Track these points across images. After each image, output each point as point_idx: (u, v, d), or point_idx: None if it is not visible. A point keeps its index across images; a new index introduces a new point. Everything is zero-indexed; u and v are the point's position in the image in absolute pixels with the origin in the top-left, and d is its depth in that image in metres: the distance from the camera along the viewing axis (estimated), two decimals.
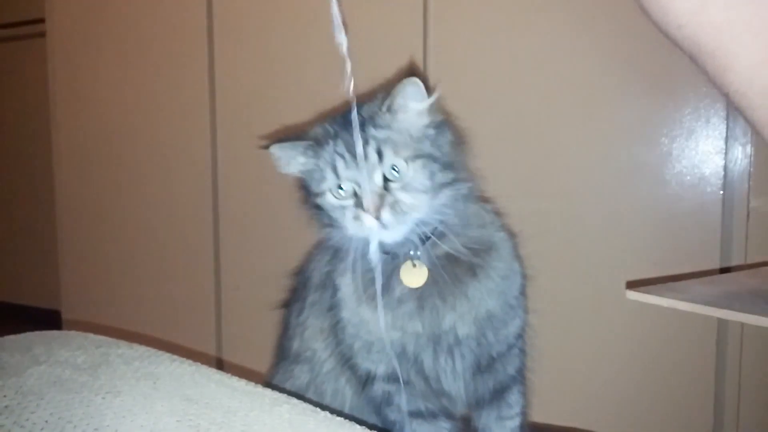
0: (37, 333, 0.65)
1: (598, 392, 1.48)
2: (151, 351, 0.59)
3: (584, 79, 1.45)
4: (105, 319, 2.02)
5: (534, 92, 1.49)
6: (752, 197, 1.36)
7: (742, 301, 0.90)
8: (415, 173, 0.91)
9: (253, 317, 1.81)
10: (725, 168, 1.38)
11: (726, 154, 1.37)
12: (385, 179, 0.90)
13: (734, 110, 1.34)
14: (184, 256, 1.92)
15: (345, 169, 0.92)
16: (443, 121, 0.98)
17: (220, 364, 1.86)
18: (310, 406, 0.55)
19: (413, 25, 1.57)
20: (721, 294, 0.94)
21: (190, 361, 0.59)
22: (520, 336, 1.07)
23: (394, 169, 0.90)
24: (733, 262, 1.37)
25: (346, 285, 1.02)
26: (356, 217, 0.90)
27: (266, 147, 0.99)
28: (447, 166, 0.94)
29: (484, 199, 1.07)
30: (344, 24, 0.92)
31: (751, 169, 1.36)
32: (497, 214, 1.06)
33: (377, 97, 0.99)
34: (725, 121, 1.36)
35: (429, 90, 0.96)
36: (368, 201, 0.89)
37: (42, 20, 2.14)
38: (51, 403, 0.50)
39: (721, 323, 1.37)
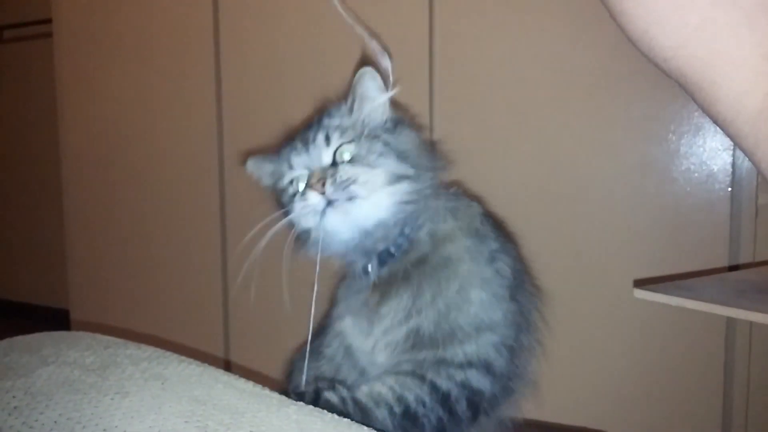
0: (45, 333, 0.65)
1: (607, 391, 1.48)
2: (159, 352, 0.59)
3: (590, 76, 1.44)
4: (113, 320, 2.03)
5: (540, 90, 1.49)
6: (760, 194, 1.36)
7: (751, 300, 0.89)
8: (363, 151, 0.91)
9: (261, 318, 1.82)
10: (733, 165, 1.37)
11: (734, 150, 1.37)
12: (335, 163, 0.92)
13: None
14: (191, 257, 1.92)
15: (296, 157, 0.94)
16: (402, 119, 0.99)
17: (227, 366, 1.86)
18: (317, 409, 0.55)
19: (418, 26, 1.56)
20: (730, 292, 0.94)
21: (198, 362, 0.59)
22: (471, 365, 0.89)
23: (342, 155, 0.92)
24: (742, 260, 1.36)
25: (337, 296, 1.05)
26: (303, 198, 0.90)
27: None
28: (403, 158, 0.92)
29: (472, 198, 1.02)
30: (384, 49, 0.95)
31: None
32: (484, 215, 0.99)
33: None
34: None
35: (388, 84, 0.96)
36: (315, 178, 0.89)
37: (49, 21, 2.14)
38: (60, 403, 0.50)
39: (730, 321, 1.37)
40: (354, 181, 0.88)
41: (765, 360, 1.37)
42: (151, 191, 1.98)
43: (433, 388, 0.86)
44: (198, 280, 1.91)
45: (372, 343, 0.95)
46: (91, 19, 2.03)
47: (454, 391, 0.86)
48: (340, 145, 0.92)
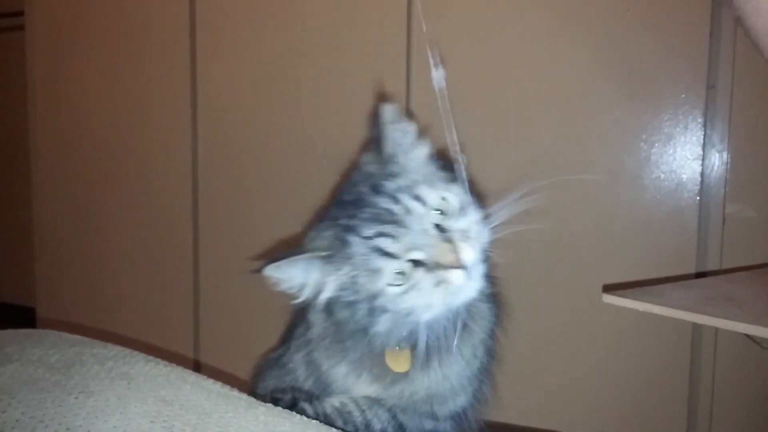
0: (9, 331, 0.64)
1: (575, 394, 1.50)
2: (126, 351, 0.59)
3: (563, 84, 1.46)
4: (81, 319, 2.00)
5: (513, 97, 1.50)
6: (728, 203, 1.38)
7: (717, 306, 0.91)
8: (448, 197, 0.76)
9: (232, 319, 1.81)
10: (702, 174, 1.39)
11: (703, 160, 1.39)
12: (440, 228, 0.74)
13: (712, 117, 1.36)
14: (162, 255, 1.90)
15: (395, 243, 0.72)
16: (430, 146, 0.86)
17: (197, 367, 1.84)
18: (286, 410, 0.55)
19: (397, 30, 1.57)
20: (696, 298, 0.95)
21: (165, 362, 0.58)
22: (458, 416, 0.87)
23: (436, 210, 0.75)
24: (709, 267, 1.39)
25: (317, 328, 0.86)
26: (438, 283, 0.72)
27: (257, 271, 0.75)
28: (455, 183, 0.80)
29: None
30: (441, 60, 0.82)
31: (728, 176, 1.38)
32: None
33: (362, 155, 0.86)
34: (703, 128, 1.38)
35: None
36: (442, 252, 0.71)
37: (21, 13, 2.11)
38: (22, 402, 0.50)
39: (696, 327, 1.39)
40: (474, 234, 0.74)
41: (730, 365, 1.39)
42: (122, 188, 1.95)
43: (400, 427, 0.85)
44: (168, 280, 1.89)
45: (375, 392, 0.85)
46: (64, 12, 2.00)
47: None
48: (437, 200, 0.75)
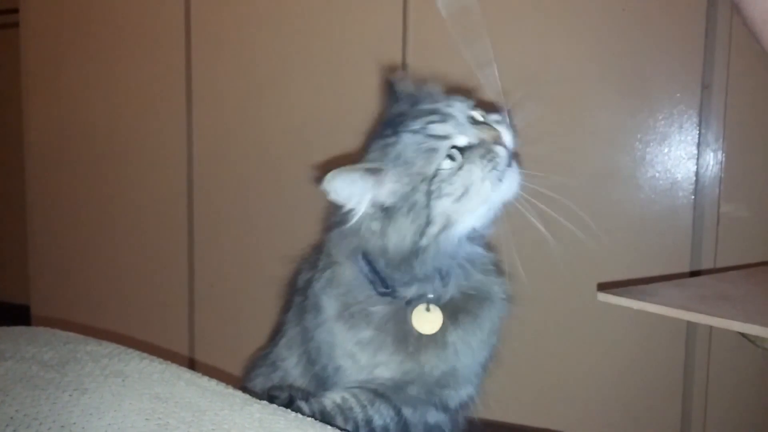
0: (3, 329, 0.64)
1: (569, 393, 1.50)
2: (120, 348, 0.59)
3: (558, 83, 1.46)
4: (76, 316, 2.00)
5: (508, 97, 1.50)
6: (723, 202, 1.39)
7: (711, 305, 0.91)
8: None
9: (227, 316, 1.80)
10: (697, 173, 1.40)
11: (698, 159, 1.39)
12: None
13: (707, 116, 1.36)
14: (157, 252, 1.90)
15: (443, 125, 0.82)
16: None
17: (192, 364, 1.84)
18: (281, 408, 0.55)
19: (393, 28, 1.57)
20: (691, 297, 0.96)
21: (160, 359, 0.58)
22: (459, 408, 0.90)
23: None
24: (703, 266, 1.39)
25: (332, 307, 0.89)
26: (485, 154, 0.80)
27: (317, 182, 0.79)
28: None
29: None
30: None
31: (722, 175, 1.39)
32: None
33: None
34: (698, 127, 1.39)
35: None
36: (485, 132, 0.82)
37: (15, 10, 2.10)
38: (17, 399, 0.49)
39: (690, 326, 1.39)
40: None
41: (724, 363, 1.40)
42: (117, 185, 1.95)
43: (402, 421, 0.85)
44: (163, 277, 1.89)
45: (392, 371, 0.85)
46: (59, 9, 1.99)
47: (419, 427, 0.86)
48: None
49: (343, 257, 0.89)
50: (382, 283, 0.85)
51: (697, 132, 1.39)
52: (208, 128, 1.81)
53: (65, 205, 2.04)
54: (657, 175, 1.42)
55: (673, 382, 1.43)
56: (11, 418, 0.48)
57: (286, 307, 1.09)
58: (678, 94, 1.39)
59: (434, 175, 0.80)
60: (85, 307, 2.01)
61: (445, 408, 0.87)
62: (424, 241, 0.80)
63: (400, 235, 0.81)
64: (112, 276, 1.97)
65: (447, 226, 0.81)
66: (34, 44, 2.04)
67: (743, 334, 0.87)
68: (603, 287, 1.02)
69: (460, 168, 0.80)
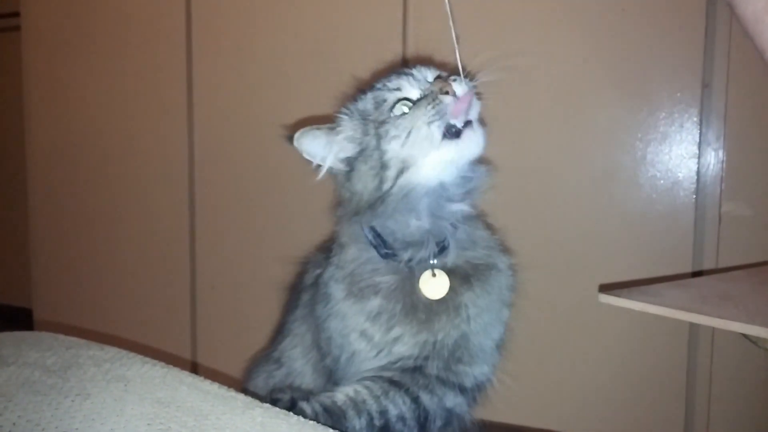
0: (6, 333, 0.64)
1: (572, 394, 1.50)
2: (123, 353, 0.59)
3: (559, 83, 1.46)
4: (78, 320, 2.00)
5: (508, 97, 1.49)
6: (724, 202, 1.38)
7: (713, 305, 0.91)
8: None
9: (229, 319, 1.80)
10: (698, 172, 1.40)
11: (699, 158, 1.39)
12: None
13: (708, 115, 1.36)
14: (159, 256, 1.90)
15: (398, 81, 0.91)
16: None
17: (194, 368, 1.84)
18: (283, 411, 0.55)
19: (393, 22, 1.57)
20: (693, 298, 0.95)
21: (162, 364, 0.58)
22: (475, 389, 0.91)
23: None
24: (705, 266, 1.39)
25: (340, 290, 0.91)
26: (431, 102, 0.85)
27: (288, 139, 0.91)
28: None
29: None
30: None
31: (724, 174, 1.39)
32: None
33: None
34: (699, 126, 1.38)
35: None
36: (437, 84, 0.87)
37: (17, 14, 2.10)
38: (19, 405, 0.50)
39: (693, 326, 1.39)
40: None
41: (726, 365, 1.39)
42: (119, 189, 1.95)
43: (419, 407, 0.85)
44: (165, 281, 1.89)
45: (408, 346, 0.87)
46: (60, 13, 2.00)
47: (437, 413, 0.86)
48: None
49: (348, 237, 0.93)
50: (384, 245, 0.89)
51: (698, 131, 1.39)
52: (209, 130, 1.81)
53: (67, 208, 2.04)
54: (658, 174, 1.42)
55: (675, 383, 1.42)
56: (14, 423, 0.48)
57: (288, 309, 1.10)
58: (678, 93, 1.39)
59: (384, 121, 0.87)
60: (88, 311, 2.01)
61: (462, 388, 0.88)
62: (385, 186, 0.86)
63: (362, 181, 0.88)
64: (114, 279, 1.97)
65: (403, 169, 0.85)
66: (36, 47, 2.05)
67: (746, 335, 0.87)
68: (605, 288, 1.02)
69: (410, 115, 0.86)
